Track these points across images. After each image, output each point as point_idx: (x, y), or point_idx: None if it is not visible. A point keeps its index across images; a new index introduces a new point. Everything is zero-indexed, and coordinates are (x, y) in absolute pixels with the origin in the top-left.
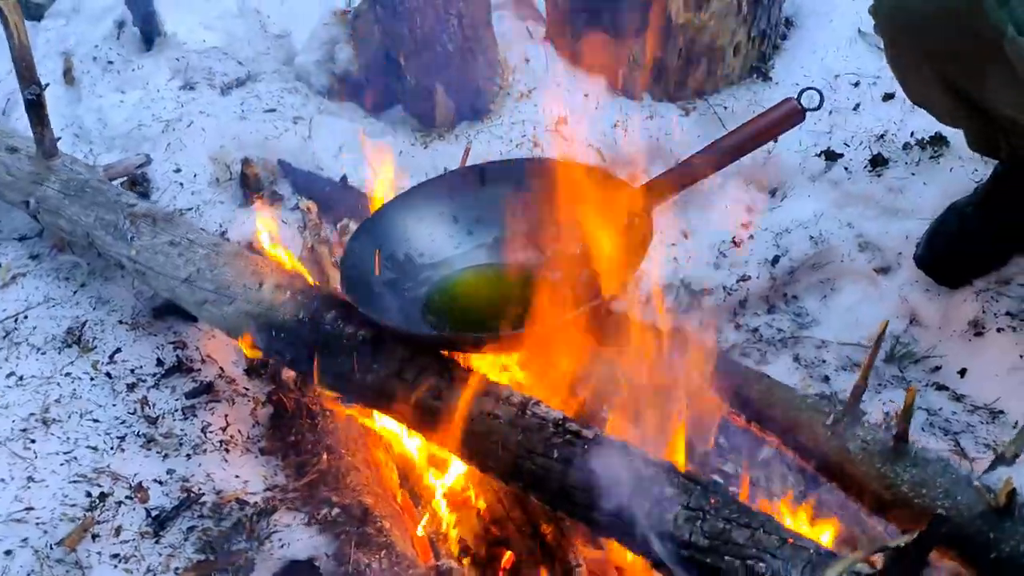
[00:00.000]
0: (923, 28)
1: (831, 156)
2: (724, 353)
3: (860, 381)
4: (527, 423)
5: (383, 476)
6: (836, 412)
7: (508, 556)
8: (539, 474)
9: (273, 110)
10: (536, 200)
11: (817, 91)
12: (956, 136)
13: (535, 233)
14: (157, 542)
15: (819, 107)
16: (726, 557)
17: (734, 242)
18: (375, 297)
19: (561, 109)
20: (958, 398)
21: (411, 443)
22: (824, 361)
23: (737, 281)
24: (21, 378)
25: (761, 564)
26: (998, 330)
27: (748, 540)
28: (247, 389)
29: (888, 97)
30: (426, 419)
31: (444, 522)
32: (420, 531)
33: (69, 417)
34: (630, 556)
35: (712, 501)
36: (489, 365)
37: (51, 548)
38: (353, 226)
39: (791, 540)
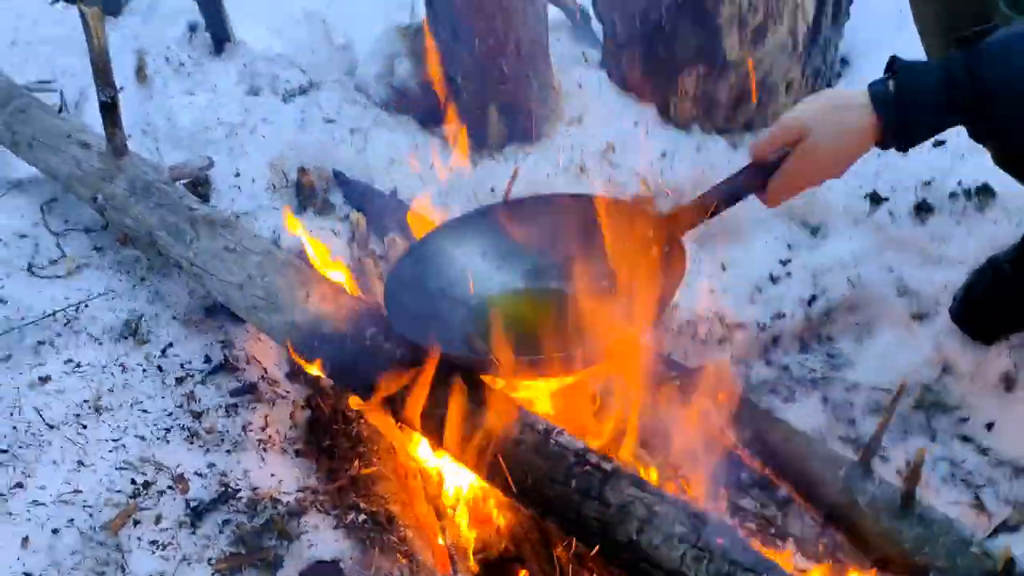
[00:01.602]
0: None
1: (876, 199)
2: (745, 395)
3: (876, 434)
4: (550, 451)
5: (410, 486)
6: (848, 465)
7: (523, 574)
8: (556, 501)
9: (332, 120)
10: (566, 235)
11: None
12: (1003, 188)
13: (566, 267)
14: (193, 532)
15: None
16: None
17: (771, 278)
18: (414, 318)
19: (610, 136)
20: (983, 451)
21: (438, 457)
22: (852, 404)
23: (772, 318)
24: (78, 365)
25: None
26: None
27: None
28: (287, 392)
29: (938, 144)
30: (452, 438)
31: (464, 536)
32: (440, 542)
33: (120, 406)
34: None
35: (719, 542)
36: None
37: (95, 531)
38: (399, 240)
39: None
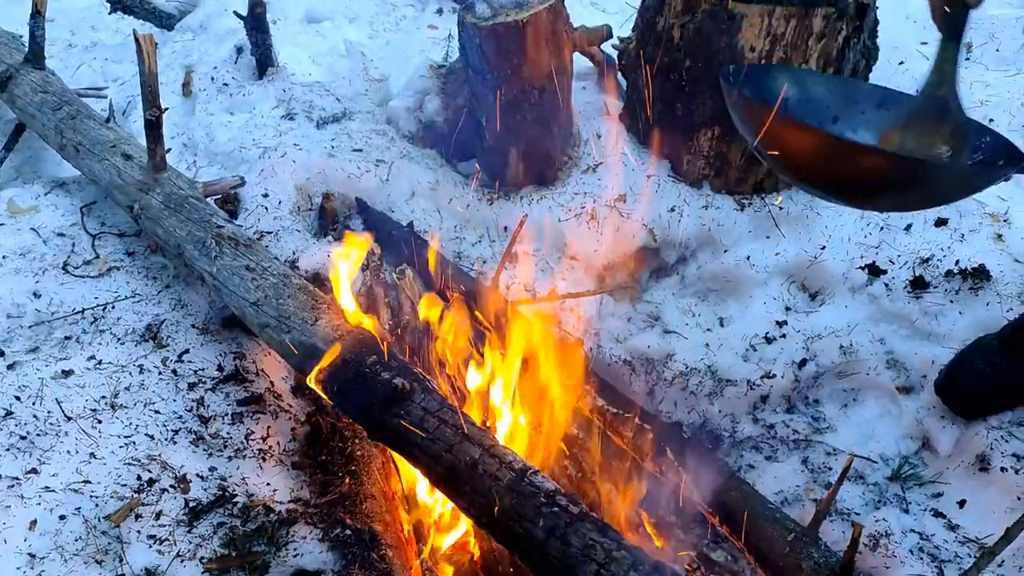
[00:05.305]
0: None
1: (875, 271)
2: (713, 453)
3: (821, 507)
4: (523, 489)
5: (395, 507)
6: (797, 530)
7: None
8: (523, 537)
9: (360, 150)
10: None
11: None
12: (998, 272)
13: None
14: (190, 531)
15: None
16: None
17: (766, 338)
18: None
19: (623, 187)
20: (953, 527)
21: (424, 484)
22: (831, 468)
23: (761, 377)
24: (100, 362)
25: None
26: (1002, 469)
27: None
28: (291, 406)
29: (941, 223)
30: (435, 468)
31: (440, 561)
32: (418, 563)
33: (135, 405)
34: None
35: None
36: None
37: (99, 520)
38: (410, 272)
39: None
